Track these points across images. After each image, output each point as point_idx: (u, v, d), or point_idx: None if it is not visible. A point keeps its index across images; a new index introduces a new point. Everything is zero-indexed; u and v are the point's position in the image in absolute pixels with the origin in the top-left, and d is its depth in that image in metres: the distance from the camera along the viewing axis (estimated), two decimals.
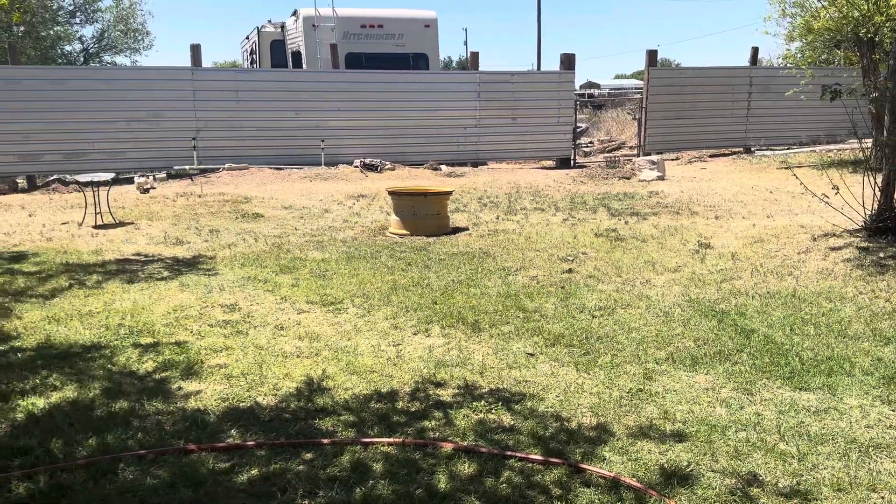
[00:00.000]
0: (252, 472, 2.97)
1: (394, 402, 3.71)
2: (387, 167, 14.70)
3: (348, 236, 8.32)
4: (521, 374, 4.08)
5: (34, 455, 3.07)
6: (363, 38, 16.88)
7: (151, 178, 13.41)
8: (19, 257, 7.20)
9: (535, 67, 38.77)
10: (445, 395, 3.80)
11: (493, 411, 3.58)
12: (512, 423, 3.46)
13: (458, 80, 16.66)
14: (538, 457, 3.10)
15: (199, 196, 11.74)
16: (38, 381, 3.90)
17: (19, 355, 4.31)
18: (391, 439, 3.25)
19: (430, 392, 3.83)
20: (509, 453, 3.13)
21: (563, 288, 5.88)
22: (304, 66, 16.77)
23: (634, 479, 2.93)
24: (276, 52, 17.94)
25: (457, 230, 8.60)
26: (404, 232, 8.30)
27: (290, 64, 17.61)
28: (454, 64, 59.26)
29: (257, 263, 6.88)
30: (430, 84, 15.61)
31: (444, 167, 15.17)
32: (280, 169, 14.25)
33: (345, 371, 4.12)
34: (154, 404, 3.62)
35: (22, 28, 21.89)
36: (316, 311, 5.32)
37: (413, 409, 3.61)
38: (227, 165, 14.12)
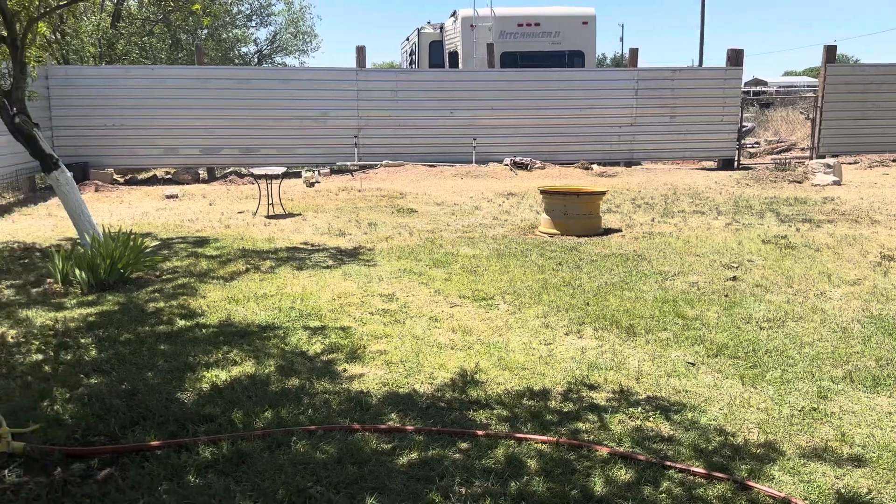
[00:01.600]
0: (412, 455, 3.09)
1: (546, 400, 3.71)
2: (537, 166, 14.66)
3: (498, 234, 8.39)
4: (680, 383, 3.94)
5: (217, 423, 3.37)
6: (519, 36, 16.94)
7: (317, 172, 14.26)
8: (202, 242, 7.92)
9: (697, 63, 37.04)
10: (599, 398, 3.74)
11: (651, 419, 3.48)
12: (671, 433, 3.35)
13: (614, 77, 16.27)
14: (700, 470, 2.98)
15: (359, 191, 12.33)
16: (220, 355, 4.27)
17: (204, 331, 4.74)
18: (545, 437, 3.25)
19: (584, 394, 3.79)
20: (669, 463, 3.03)
21: (726, 296, 5.59)
22: (461, 65, 17.09)
23: (807, 503, 2.74)
24: (435, 53, 18.43)
25: (608, 231, 8.42)
26: (554, 231, 8.25)
27: (447, 64, 18.03)
28: (608, 61, 57.94)
29: (412, 257, 7.11)
30: (585, 82, 15.38)
31: (595, 167, 14.90)
32: (433, 166, 14.63)
33: (497, 366, 4.17)
34: (322, 384, 3.85)
35: (205, 31, 23.98)
36: (468, 306, 5.42)
37: (566, 410, 3.59)
38: (384, 162, 14.71)
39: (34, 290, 5.87)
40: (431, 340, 4.61)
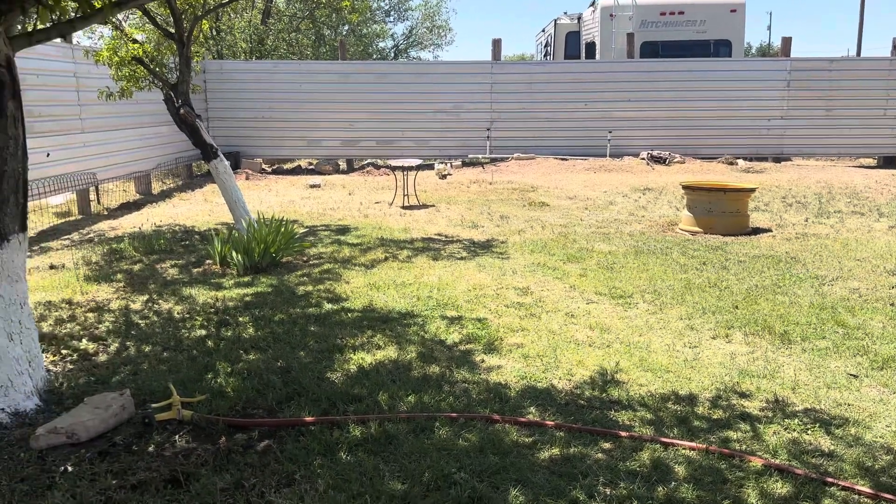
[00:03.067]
0: (552, 451, 3.07)
1: (693, 405, 3.57)
2: (675, 160, 14.12)
3: (635, 230, 8.16)
4: (841, 395, 3.67)
5: (365, 403, 3.50)
6: (661, 25, 16.34)
7: (448, 164, 14.47)
8: (344, 230, 8.25)
9: (854, 53, 34.20)
10: (751, 406, 3.55)
11: (809, 432, 3.26)
12: (831, 447, 3.13)
13: (764, 67, 15.31)
14: (866, 489, 2.77)
15: (490, 183, 12.39)
16: (364, 339, 4.44)
17: (349, 315, 4.94)
18: (693, 444, 3.13)
19: (734, 401, 3.62)
20: (830, 480, 2.83)
21: (892, 305, 5.14)
22: (598, 56, 16.74)
23: None
24: (571, 44, 18.17)
25: (757, 231, 7.97)
26: (696, 229, 7.91)
27: (584, 55, 17.72)
28: (753, 51, 54.71)
29: (545, 251, 7.06)
30: (731, 73, 14.61)
31: (740, 162, 14.15)
32: (564, 159, 14.45)
33: (638, 367, 4.06)
34: (461, 373, 3.91)
35: (346, 27, 24.90)
36: (605, 303, 5.32)
37: (715, 417, 3.44)
38: (515, 155, 14.70)
39: (195, 269, 6.36)
40: (568, 336, 4.56)
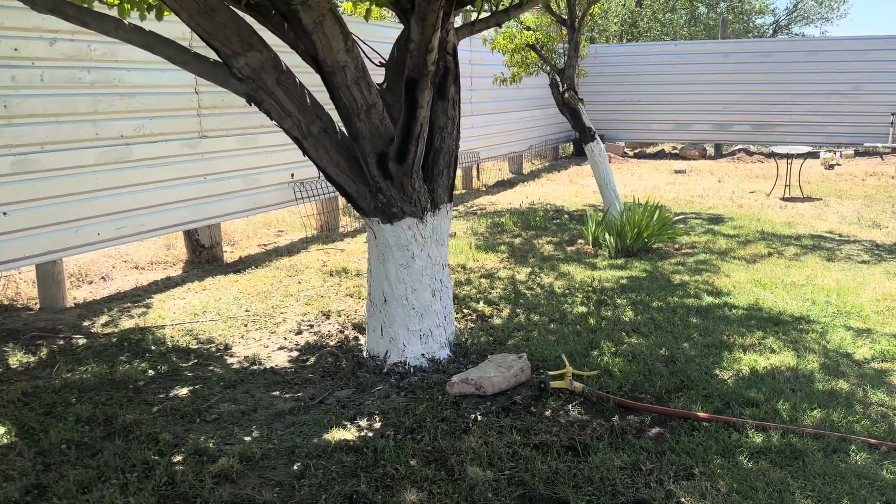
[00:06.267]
0: None
1: None
2: None
3: None
4: None
5: (762, 410, 3.23)
6: None
7: (837, 154, 12.79)
8: (716, 219, 7.81)
9: None
10: None
11: None
12: None
13: None
14: None
15: (893, 177, 10.65)
16: (754, 339, 4.12)
17: (733, 311, 4.65)
18: None
19: None
20: None
21: None
22: None
23: None
24: None
25: None
26: None
27: None
28: None
29: None
30: None
31: None
32: None
33: None
34: (877, 394, 3.40)
35: (724, 3, 23.42)
36: None
37: None
38: None
39: (568, 248, 6.59)
40: None
